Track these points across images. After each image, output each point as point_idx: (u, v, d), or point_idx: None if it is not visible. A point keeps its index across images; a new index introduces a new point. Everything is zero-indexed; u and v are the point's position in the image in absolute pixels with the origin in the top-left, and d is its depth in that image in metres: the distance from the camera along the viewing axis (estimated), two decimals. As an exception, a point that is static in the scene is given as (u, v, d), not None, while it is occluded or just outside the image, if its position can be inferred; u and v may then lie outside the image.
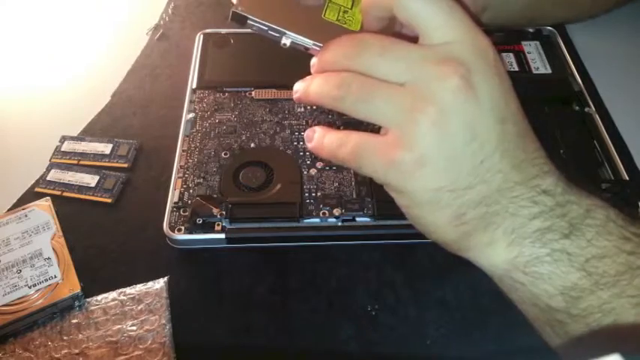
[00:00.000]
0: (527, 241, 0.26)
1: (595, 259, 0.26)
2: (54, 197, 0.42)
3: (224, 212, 0.39)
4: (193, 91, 0.48)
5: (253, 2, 0.29)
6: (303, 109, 0.47)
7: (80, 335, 0.35)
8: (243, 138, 0.45)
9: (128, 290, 0.37)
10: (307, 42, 0.30)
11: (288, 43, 0.29)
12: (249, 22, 0.29)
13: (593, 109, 0.47)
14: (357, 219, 0.40)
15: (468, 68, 0.25)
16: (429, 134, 0.25)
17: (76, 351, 0.34)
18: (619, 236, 0.26)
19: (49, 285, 0.36)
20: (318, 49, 0.29)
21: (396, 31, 0.31)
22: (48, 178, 0.43)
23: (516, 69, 0.50)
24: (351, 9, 0.31)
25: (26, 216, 0.40)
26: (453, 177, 0.26)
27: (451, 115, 0.25)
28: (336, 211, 0.40)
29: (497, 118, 0.26)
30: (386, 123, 0.27)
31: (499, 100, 0.26)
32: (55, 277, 0.37)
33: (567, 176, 0.28)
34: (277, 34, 0.29)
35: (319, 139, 0.29)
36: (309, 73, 0.51)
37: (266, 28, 0.29)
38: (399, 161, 0.26)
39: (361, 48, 0.27)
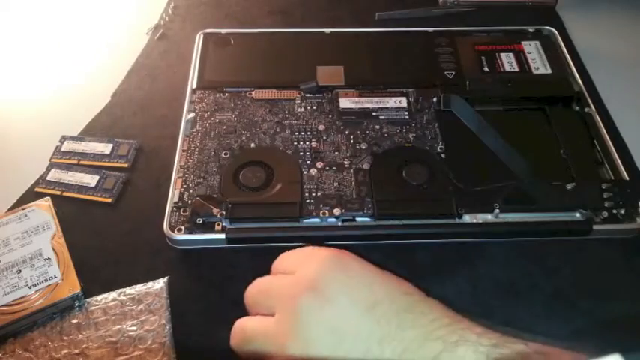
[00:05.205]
0: None
1: None
2: (54, 197, 0.42)
3: (224, 212, 0.39)
4: (193, 91, 0.48)
5: None
6: (303, 109, 0.47)
7: (80, 335, 0.35)
8: (243, 138, 0.45)
9: (128, 290, 0.37)
10: None
11: None
12: None
13: (593, 109, 0.47)
14: (357, 219, 0.40)
15: (315, 280, 0.29)
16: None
17: (76, 351, 0.35)
18: None
19: (49, 285, 0.36)
20: None
21: None
22: (48, 178, 0.43)
23: (516, 69, 0.50)
24: None
25: (26, 216, 0.40)
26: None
27: (312, 325, 0.28)
28: (336, 211, 0.40)
29: (363, 308, 0.28)
30: None
31: (359, 292, 0.29)
32: (55, 277, 0.37)
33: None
34: None
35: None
36: (309, 73, 0.51)
37: None
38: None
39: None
